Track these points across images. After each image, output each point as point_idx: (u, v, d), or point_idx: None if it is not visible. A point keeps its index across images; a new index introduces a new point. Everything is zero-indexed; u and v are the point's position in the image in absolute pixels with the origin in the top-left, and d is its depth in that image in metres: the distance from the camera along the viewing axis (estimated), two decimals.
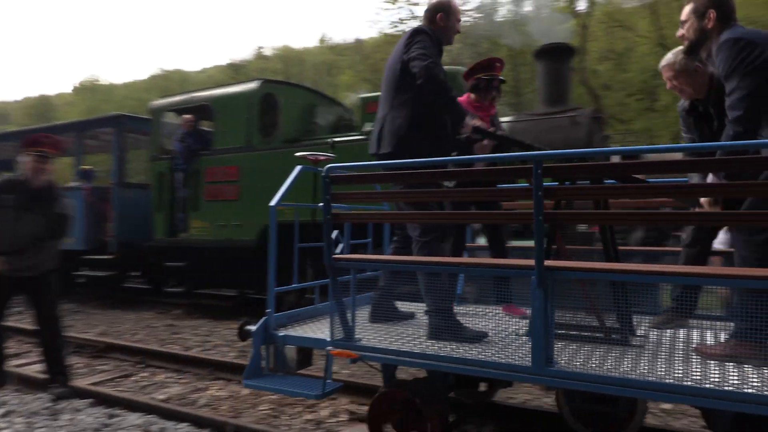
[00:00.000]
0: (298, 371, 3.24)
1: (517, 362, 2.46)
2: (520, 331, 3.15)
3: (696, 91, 3.06)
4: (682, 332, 3.04)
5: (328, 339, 2.96)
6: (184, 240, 8.66)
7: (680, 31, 2.87)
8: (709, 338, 2.90)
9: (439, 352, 2.67)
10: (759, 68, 2.47)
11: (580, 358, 2.51)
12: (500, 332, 3.13)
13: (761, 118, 2.51)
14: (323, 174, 2.79)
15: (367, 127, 7.59)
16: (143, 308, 9.35)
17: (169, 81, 41.89)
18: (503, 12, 23.01)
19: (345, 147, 7.38)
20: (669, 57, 3.11)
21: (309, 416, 4.10)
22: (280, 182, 7.58)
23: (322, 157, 4.08)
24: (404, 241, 3.55)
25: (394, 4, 23.51)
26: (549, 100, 7.03)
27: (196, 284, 9.11)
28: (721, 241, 7.36)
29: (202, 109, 8.77)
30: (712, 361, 2.43)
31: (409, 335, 3.05)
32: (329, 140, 7.23)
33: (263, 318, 3.23)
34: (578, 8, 21.78)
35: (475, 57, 22.35)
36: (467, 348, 2.72)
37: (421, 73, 3.10)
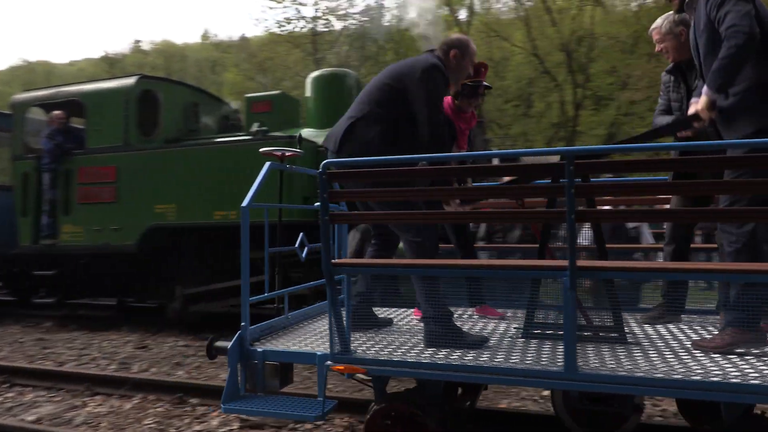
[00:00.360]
0: (281, 390, 2.98)
1: (547, 368, 2.36)
2: (510, 333, 3.11)
3: (680, 53, 3.33)
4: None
5: (319, 353, 2.74)
6: (55, 246, 8.00)
7: None
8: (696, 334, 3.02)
9: (451, 361, 2.52)
10: (748, 1, 2.65)
11: (596, 361, 2.49)
12: (490, 335, 3.05)
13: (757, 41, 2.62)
14: (320, 171, 2.54)
15: (254, 127, 7.46)
16: (7, 322, 8.49)
17: (33, 73, 38.41)
18: (389, 17, 23.47)
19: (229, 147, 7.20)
20: (658, 22, 3.40)
21: (198, 427, 3.96)
22: (162, 183, 7.31)
23: (289, 153, 3.80)
24: (383, 244, 3.41)
25: (280, 3, 23.24)
26: None
27: (69, 294, 8.44)
28: (584, 237, 8.02)
29: (72, 105, 8.15)
30: (716, 354, 2.51)
31: (402, 344, 2.88)
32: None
33: (237, 332, 2.90)
34: (459, 17, 22.79)
35: (362, 60, 22.66)
36: (475, 355, 2.60)
37: (426, 131, 3.01)
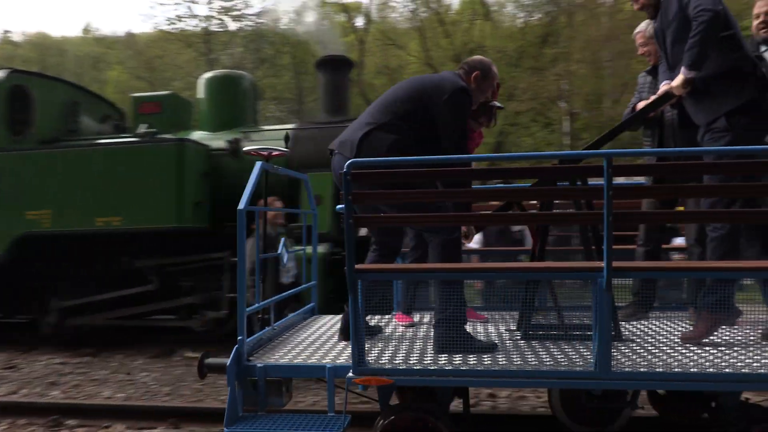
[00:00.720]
0: (285, 407, 2.81)
1: (574, 368, 2.42)
2: (505, 335, 3.13)
3: (658, 57, 3.50)
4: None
5: (328, 365, 2.65)
6: None
7: (637, 5, 3.28)
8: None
9: (473, 366, 2.50)
10: None
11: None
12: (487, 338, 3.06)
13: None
14: (344, 171, 2.40)
15: (142, 128, 7.08)
16: None
17: None
18: (286, 20, 23.24)
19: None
20: (642, 26, 3.64)
21: None
22: (36, 188, 6.73)
23: (276, 153, 3.54)
24: (383, 249, 3.33)
25: None
26: (330, 110, 7.29)
27: None
28: (477, 241, 8.36)
29: None
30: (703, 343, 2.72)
31: (410, 351, 2.83)
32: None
33: (235, 347, 2.68)
34: (356, 24, 23.01)
35: (257, 63, 22.22)
36: (491, 359, 2.60)
37: (451, 153, 2.99)
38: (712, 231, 3.01)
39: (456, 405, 3.32)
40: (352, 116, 7.40)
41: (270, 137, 7.06)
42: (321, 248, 5.98)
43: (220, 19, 22.75)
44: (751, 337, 2.95)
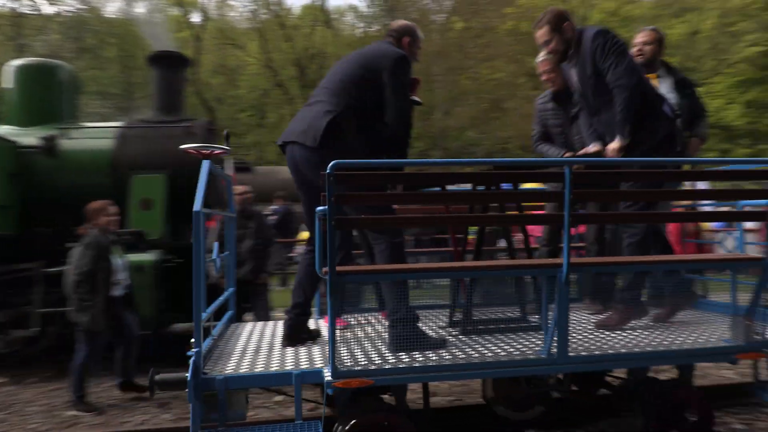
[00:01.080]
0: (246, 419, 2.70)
1: (540, 356, 2.60)
2: (441, 331, 3.20)
3: (561, 83, 3.85)
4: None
5: (295, 371, 2.58)
6: None
7: (547, 50, 3.52)
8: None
9: (442, 362, 2.57)
10: (626, 50, 3.27)
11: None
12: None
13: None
14: (328, 172, 2.32)
15: None
16: None
17: None
18: (113, 9, 21.58)
19: None
20: (544, 53, 3.80)
21: None
22: None
23: (218, 151, 3.24)
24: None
25: None
26: (163, 108, 6.88)
27: None
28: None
29: None
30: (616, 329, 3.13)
31: (366, 351, 2.82)
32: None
33: (191, 359, 2.46)
34: (192, 19, 22.04)
35: (78, 52, 20.27)
36: (450, 354, 2.69)
37: (394, 118, 3.05)
38: (629, 237, 3.38)
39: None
40: (186, 116, 7.06)
41: (93, 135, 6.47)
42: (151, 256, 5.59)
43: (32, 1, 20.44)
44: (644, 322, 3.41)
